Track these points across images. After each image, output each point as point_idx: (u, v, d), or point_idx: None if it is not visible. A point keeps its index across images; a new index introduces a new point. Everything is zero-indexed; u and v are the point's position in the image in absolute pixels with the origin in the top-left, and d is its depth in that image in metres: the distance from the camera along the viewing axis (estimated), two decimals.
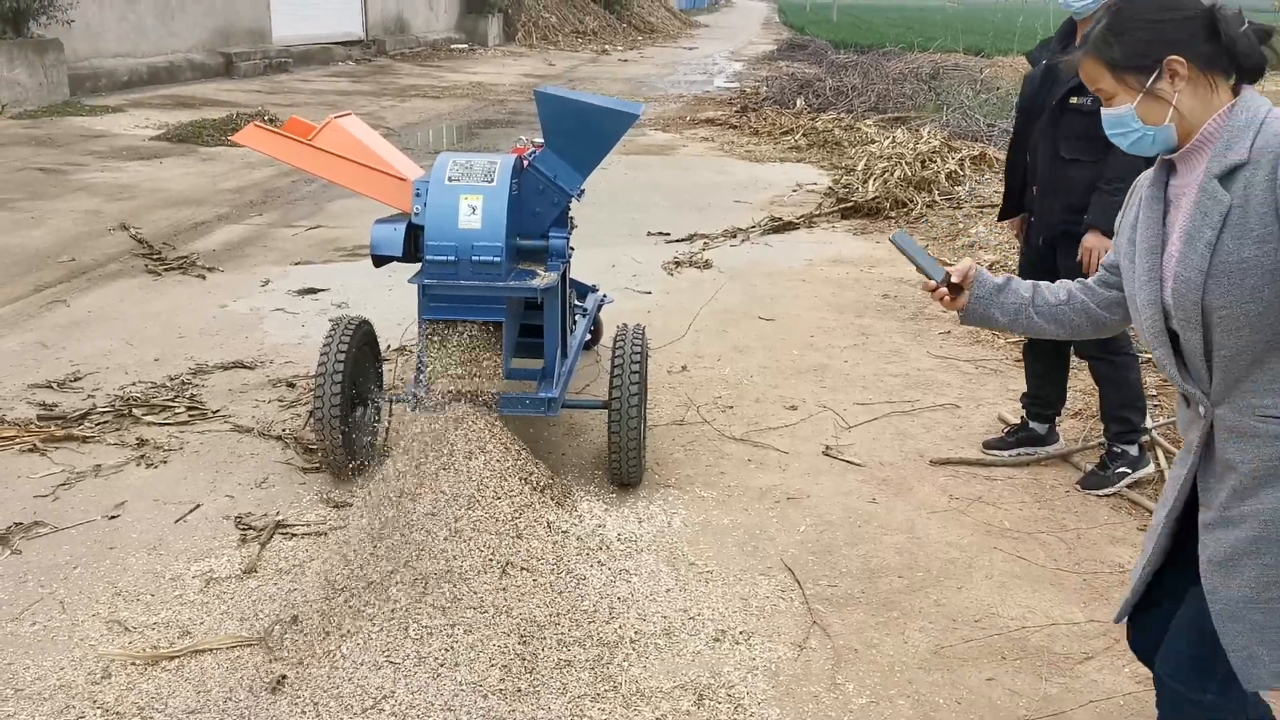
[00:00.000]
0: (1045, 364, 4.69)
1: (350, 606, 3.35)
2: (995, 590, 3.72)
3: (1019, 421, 4.84)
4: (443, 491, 3.74)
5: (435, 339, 4.21)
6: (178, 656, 3.23)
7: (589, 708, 3.04)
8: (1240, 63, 2.06)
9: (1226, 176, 1.98)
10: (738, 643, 3.39)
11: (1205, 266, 1.99)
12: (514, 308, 4.29)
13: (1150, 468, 4.48)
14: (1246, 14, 2.10)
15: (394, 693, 3.01)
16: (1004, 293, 2.43)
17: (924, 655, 3.36)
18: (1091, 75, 2.14)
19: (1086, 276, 4.19)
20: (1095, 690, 3.19)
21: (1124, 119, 2.12)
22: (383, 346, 5.65)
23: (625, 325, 4.43)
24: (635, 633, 3.41)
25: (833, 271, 7.74)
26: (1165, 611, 2.32)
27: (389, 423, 4.70)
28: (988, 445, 4.78)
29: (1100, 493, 4.40)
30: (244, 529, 4.03)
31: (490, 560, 3.53)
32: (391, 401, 4.56)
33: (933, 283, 2.42)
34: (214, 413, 5.10)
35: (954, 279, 2.41)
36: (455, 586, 3.39)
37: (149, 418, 5.01)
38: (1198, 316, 2.02)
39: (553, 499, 4.11)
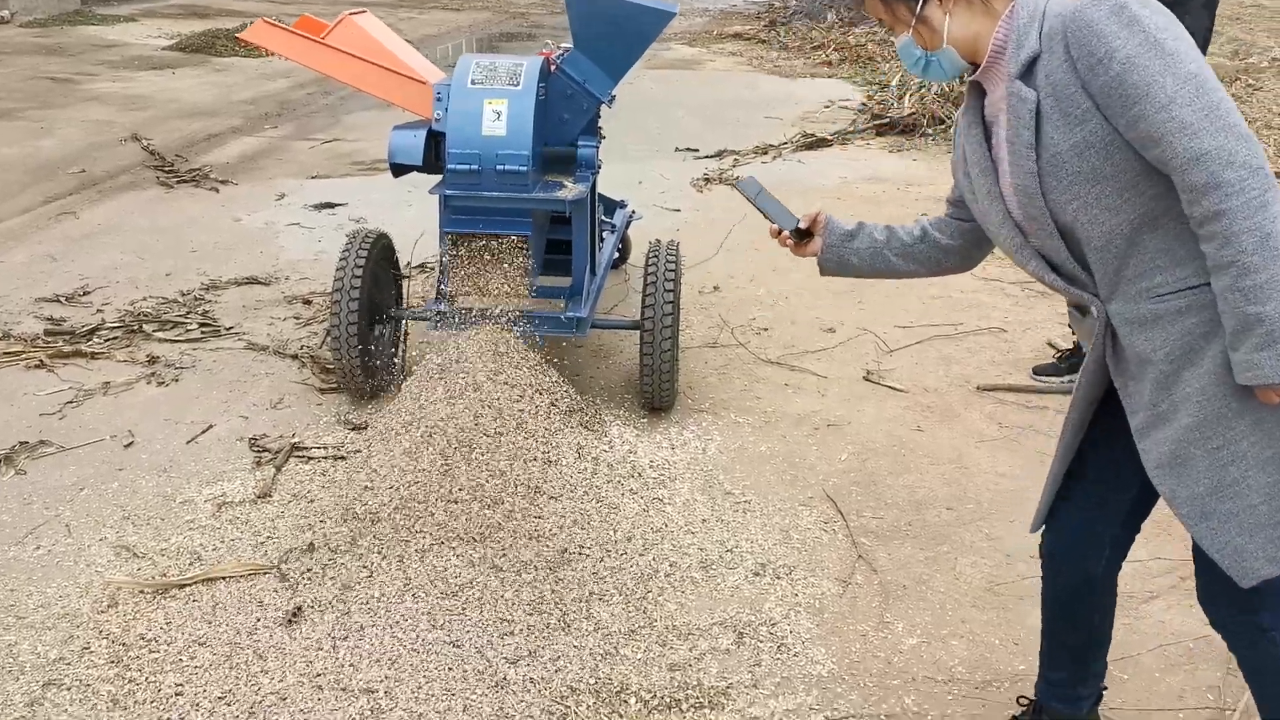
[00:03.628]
0: None
1: (370, 535, 3.17)
2: None
3: (1071, 347, 4.59)
4: (466, 415, 3.54)
5: (457, 253, 3.98)
6: (188, 585, 3.05)
7: (622, 644, 2.86)
8: None
9: (1026, 74, 1.91)
10: (779, 577, 3.19)
11: (1034, 167, 1.91)
12: (540, 221, 4.05)
13: None
14: None
15: (416, 627, 2.84)
16: (856, 238, 2.37)
17: (977, 592, 3.16)
18: (872, 9, 2.11)
19: None
20: (1162, 632, 2.99)
21: (907, 49, 2.08)
22: (402, 263, 5.44)
23: (658, 241, 4.19)
24: (670, 565, 3.22)
25: (869, 190, 7.44)
26: (1076, 506, 2.29)
27: (408, 342, 4.48)
28: (1038, 371, 4.54)
29: (1048, 379, 4.42)
30: (258, 451, 3.85)
31: (517, 488, 3.34)
32: (411, 319, 4.34)
33: (777, 228, 2.35)
34: (227, 330, 4.90)
35: (803, 225, 2.35)
36: (480, 515, 3.20)
37: (160, 334, 4.82)
38: (1048, 221, 1.95)
39: (582, 423, 3.90)
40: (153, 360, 4.54)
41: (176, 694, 2.62)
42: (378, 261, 4.17)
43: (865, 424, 4.15)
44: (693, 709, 2.65)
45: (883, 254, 2.35)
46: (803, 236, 2.37)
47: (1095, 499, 2.26)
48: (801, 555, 3.31)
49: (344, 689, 2.63)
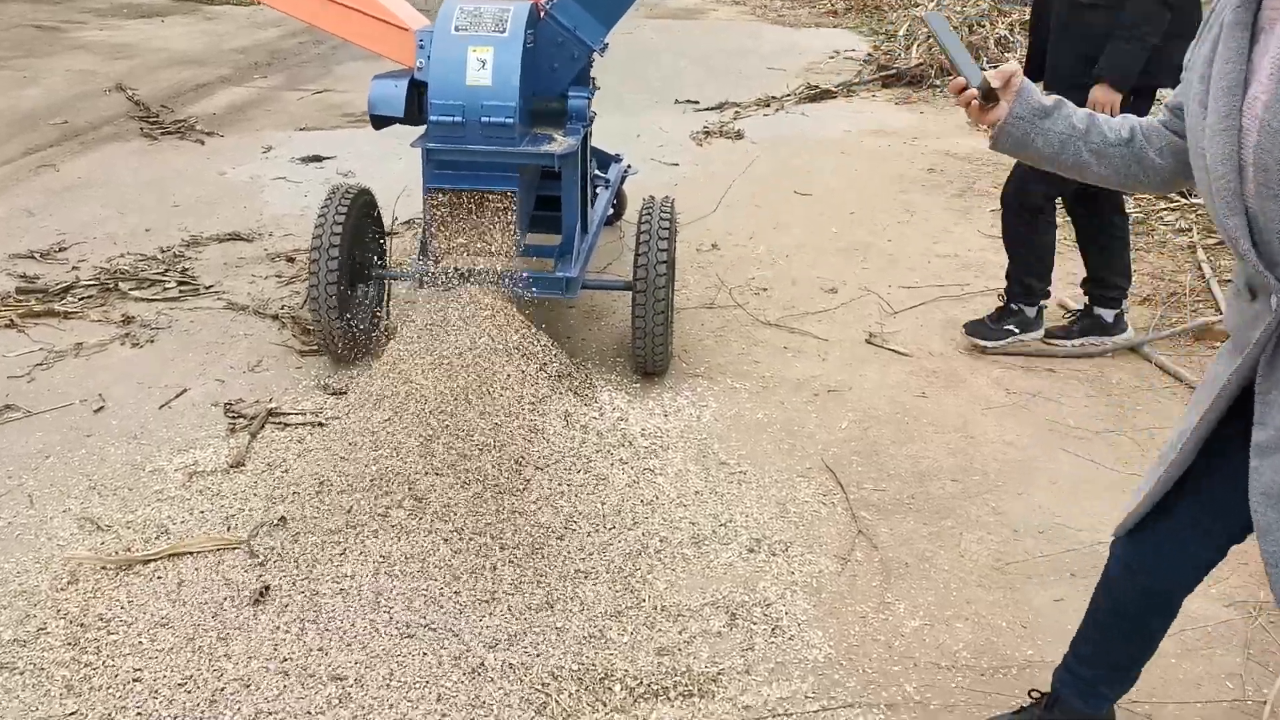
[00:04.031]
0: (1095, 232, 4.25)
1: (344, 508, 3.01)
2: (1061, 497, 3.35)
3: (1082, 308, 4.41)
4: (449, 381, 3.37)
5: (441, 210, 3.79)
6: (152, 560, 2.90)
7: (608, 627, 2.71)
8: None
9: None
10: (775, 554, 3.04)
11: None
12: (528, 176, 3.86)
13: (1039, 333, 4.28)
14: None
15: (390, 609, 2.69)
16: (1051, 117, 1.92)
17: (983, 571, 3.00)
18: None
19: None
20: (1180, 617, 2.82)
21: None
22: (389, 219, 5.25)
23: (652, 198, 3.99)
24: (660, 541, 3.06)
25: (874, 143, 7.21)
26: (1175, 525, 1.99)
27: (392, 303, 4.30)
28: (1050, 334, 4.36)
29: (982, 343, 4.24)
30: (233, 417, 3.68)
31: (501, 458, 3.17)
32: (394, 279, 4.15)
33: (964, 83, 1.92)
34: (206, 288, 4.72)
35: (993, 84, 1.90)
36: (462, 488, 3.04)
37: (136, 292, 4.65)
38: None
39: (571, 389, 3.74)
40: (128, 320, 4.37)
41: (134, 679, 2.47)
42: (359, 218, 3.98)
43: (867, 390, 3.98)
44: (681, 697, 2.50)
45: (1075, 145, 1.92)
46: (989, 98, 1.92)
47: (1200, 522, 1.98)
48: (799, 530, 3.15)
49: (311, 674, 2.48)
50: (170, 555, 2.92)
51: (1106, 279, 4.25)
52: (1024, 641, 2.73)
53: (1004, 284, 4.32)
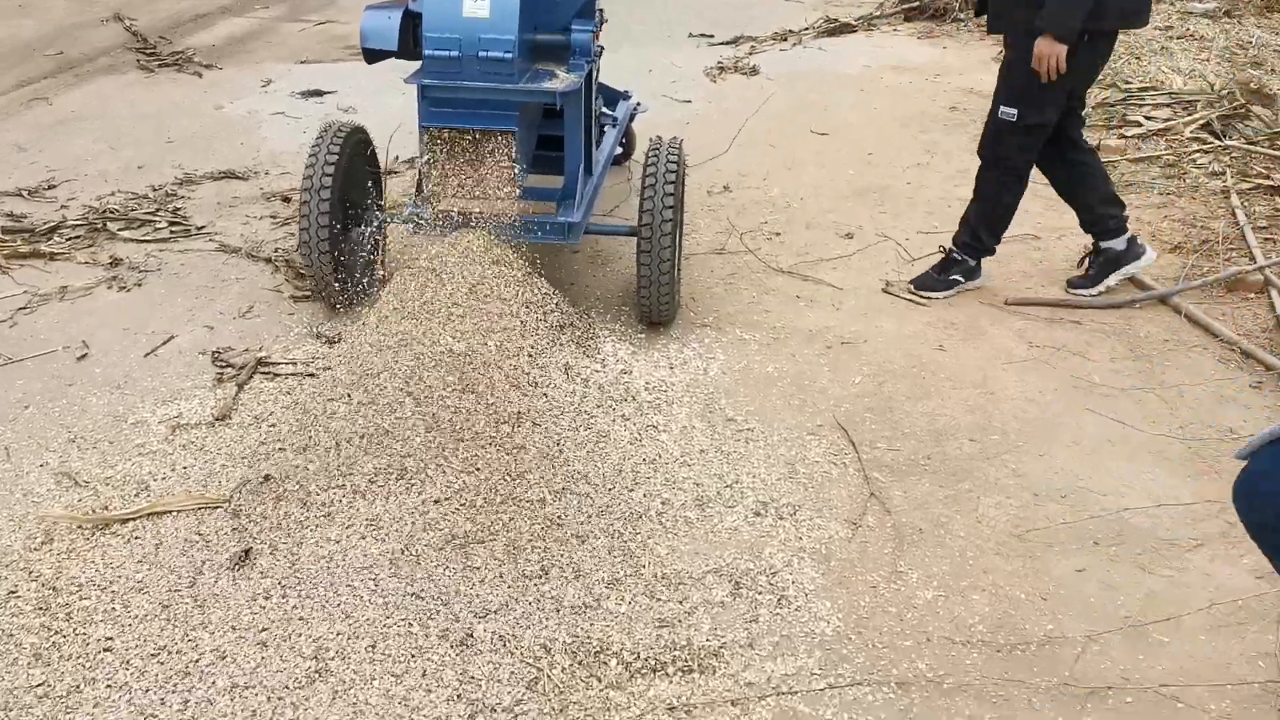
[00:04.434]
0: (1066, 172, 4.11)
1: (333, 465, 2.86)
2: (1084, 459, 3.18)
3: (1092, 247, 4.24)
4: (444, 332, 3.21)
5: (437, 150, 3.60)
6: (130, 519, 2.78)
7: (605, 596, 2.58)
8: None
9: None
10: (782, 518, 2.89)
11: None
12: (529, 115, 3.66)
13: (980, 280, 4.16)
14: None
15: (376, 576, 2.55)
16: None
17: (1002, 538, 2.85)
18: None
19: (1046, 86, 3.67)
20: (1209, 586, 2.68)
21: None
22: (388, 158, 5.07)
23: (659, 138, 3.79)
24: (662, 503, 2.92)
25: (894, 79, 6.95)
26: None
27: (387, 247, 4.13)
28: (1072, 285, 4.17)
29: (929, 295, 4.10)
30: (221, 366, 3.54)
31: (498, 414, 3.02)
32: (389, 223, 3.98)
33: None
34: (198, 229, 4.56)
35: None
36: (455, 446, 2.89)
37: (126, 233, 4.48)
38: None
39: (573, 340, 3.58)
40: (115, 262, 4.22)
41: (105, 649, 2.35)
42: (352, 157, 3.80)
43: (883, 342, 3.81)
44: (680, 673, 2.37)
45: None
46: None
47: None
48: (808, 493, 3.00)
49: (291, 646, 2.35)
50: (149, 514, 2.80)
51: (1096, 211, 4.11)
52: (1043, 615, 2.59)
53: (954, 231, 4.18)
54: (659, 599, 2.58)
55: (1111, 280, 4.13)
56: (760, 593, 2.62)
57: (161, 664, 2.31)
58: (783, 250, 4.48)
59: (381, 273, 3.97)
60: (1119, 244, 4.13)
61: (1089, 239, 4.29)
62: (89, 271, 4.15)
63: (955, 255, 4.13)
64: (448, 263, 3.46)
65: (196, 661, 2.31)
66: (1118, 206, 4.12)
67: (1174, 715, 2.31)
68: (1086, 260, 4.23)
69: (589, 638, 2.44)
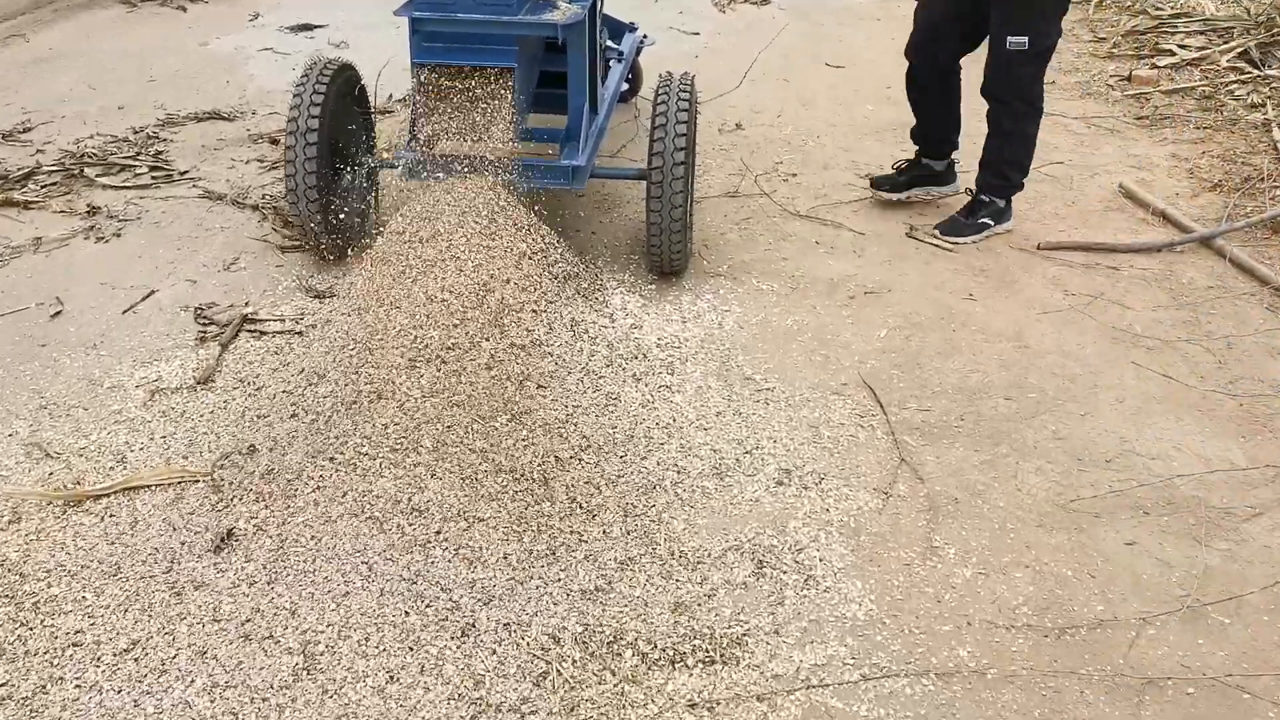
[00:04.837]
0: (933, 98, 3.98)
1: (323, 435, 2.65)
2: (1129, 418, 2.97)
3: (912, 157, 4.15)
4: (440, 286, 2.98)
5: (430, 89, 3.35)
6: (105, 495, 2.57)
7: (618, 578, 2.38)
8: None
9: None
10: (807, 487, 2.69)
11: None
12: (529, 50, 3.40)
13: (1010, 223, 3.95)
14: None
15: (369, 560, 2.35)
16: None
17: (1044, 508, 2.64)
18: None
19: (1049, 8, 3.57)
20: (1271, 561, 2.48)
21: None
22: (383, 97, 4.81)
23: (669, 74, 3.53)
24: (678, 472, 2.71)
25: (910, 9, 6.61)
26: None
27: (379, 194, 3.89)
28: (876, 184, 4.10)
29: (957, 240, 3.88)
30: (204, 324, 3.32)
31: (499, 376, 2.80)
32: (381, 168, 3.73)
33: None
34: (181, 174, 4.31)
35: None
36: (454, 413, 2.67)
37: (104, 179, 4.24)
38: None
39: (579, 292, 3.35)
40: (93, 211, 3.98)
41: (73, 644, 2.16)
42: (340, 97, 3.54)
43: (908, 291, 3.58)
44: (701, 664, 2.17)
45: None
46: None
47: None
48: (834, 459, 2.79)
49: (277, 640, 2.16)
50: (125, 489, 2.59)
51: (950, 133, 4.07)
52: (1093, 595, 2.39)
53: (977, 175, 3.96)
54: (676, 580, 2.38)
55: (918, 191, 4.10)
56: (785, 572, 2.42)
57: (136, 661, 2.11)
58: (800, 192, 4.23)
59: (374, 221, 3.73)
60: (940, 165, 4.10)
61: (1118, 178, 4.07)
62: (65, 221, 3.91)
63: (983, 198, 3.89)
64: (444, 211, 3.22)
65: (174, 658, 2.12)
66: (958, 131, 4.07)
67: (1240, 708, 2.12)
68: (898, 167, 4.17)
69: (601, 625, 2.25)
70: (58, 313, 3.37)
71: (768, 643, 2.23)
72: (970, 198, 3.93)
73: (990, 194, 3.88)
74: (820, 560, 2.46)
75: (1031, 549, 2.51)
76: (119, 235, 3.84)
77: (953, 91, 3.98)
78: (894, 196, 4.07)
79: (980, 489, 2.70)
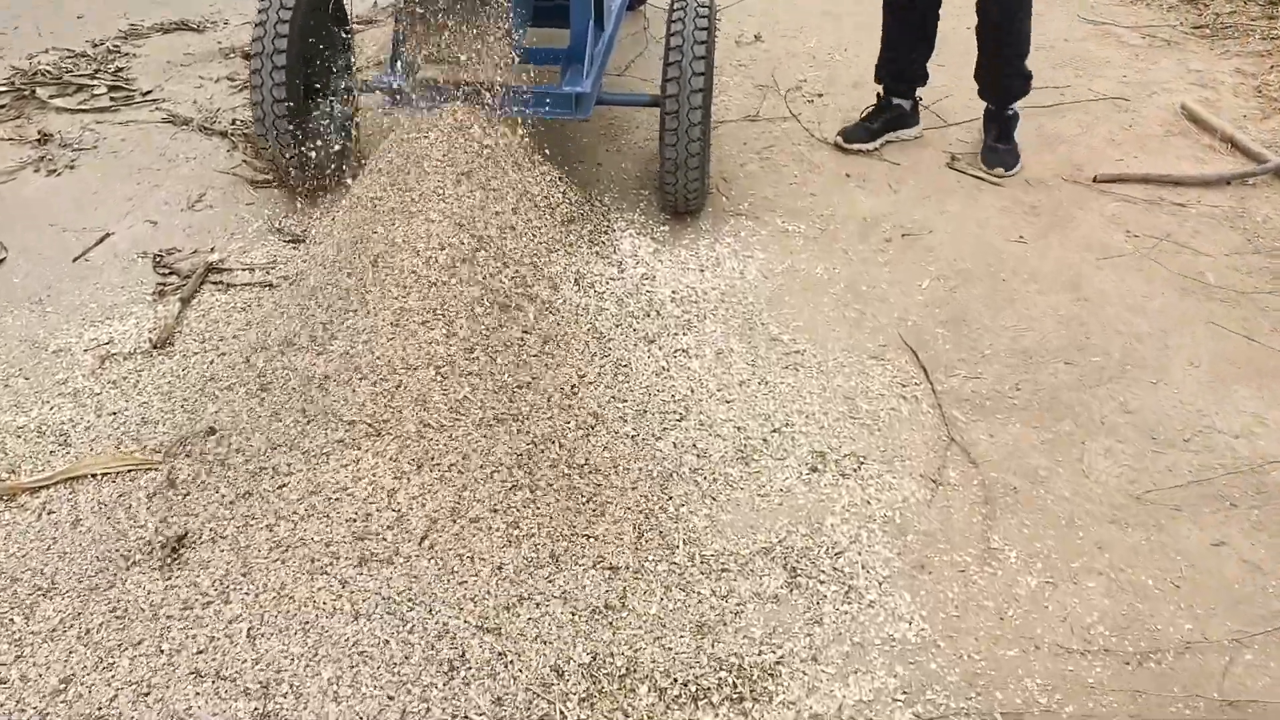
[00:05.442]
0: (914, 17, 3.52)
1: (292, 416, 2.32)
2: (1207, 388, 2.62)
3: (877, 102, 3.67)
4: (427, 232, 2.62)
5: (415, 7, 2.93)
6: (43, 488, 2.25)
7: (630, 591, 2.06)
8: None
9: None
10: (844, 474, 2.36)
11: None
12: None
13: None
14: None
15: (342, 572, 2.03)
16: None
17: (1115, 499, 2.32)
18: None
19: None
20: None
21: None
22: (367, 3, 4.37)
23: None
24: (697, 456, 2.38)
25: None
26: None
27: (359, 123, 3.49)
28: (849, 137, 3.61)
29: (1002, 172, 3.47)
30: (164, 273, 2.96)
31: (494, 343, 2.46)
32: (361, 93, 3.32)
33: None
34: (144, 95, 3.90)
35: None
36: (441, 387, 2.33)
37: (58, 101, 3.83)
38: None
39: (584, 237, 2.98)
40: (45, 139, 3.58)
41: None
42: (313, 9, 3.13)
43: (951, 232, 3.20)
44: (728, 701, 1.87)
45: None
46: None
47: None
48: (874, 438, 2.46)
49: (231, 679, 1.85)
50: (66, 479, 2.27)
51: (921, 64, 3.62)
52: (1178, 610, 2.07)
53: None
54: (696, 594, 2.06)
55: (889, 136, 3.64)
56: (822, 581, 2.10)
57: (66, 704, 1.81)
58: (827, 115, 3.82)
59: (354, 155, 3.34)
60: (907, 104, 3.64)
61: (1179, 97, 3.68)
62: (13, 150, 3.52)
63: (1008, 112, 3.52)
64: (431, 144, 2.84)
65: (111, 700, 1.81)
66: (928, 58, 3.63)
67: None
68: (868, 111, 3.67)
69: (611, 653, 1.93)
70: (0, 260, 3.01)
71: (804, 673, 1.93)
72: (994, 122, 3.53)
73: (1013, 101, 3.51)
74: (862, 566, 2.14)
75: (1104, 550, 2.19)
76: (72, 167, 3.45)
77: (934, 9, 3.52)
78: (869, 147, 3.60)
79: (1042, 475, 2.37)
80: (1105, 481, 2.36)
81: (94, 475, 2.28)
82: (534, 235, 2.83)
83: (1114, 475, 2.37)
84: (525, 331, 2.54)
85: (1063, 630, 2.03)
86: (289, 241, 3.09)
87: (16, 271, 2.97)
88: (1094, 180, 3.45)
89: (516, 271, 2.67)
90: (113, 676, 1.85)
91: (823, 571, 2.12)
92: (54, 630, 1.93)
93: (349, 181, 3.03)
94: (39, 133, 3.62)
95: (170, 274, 2.96)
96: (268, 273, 2.94)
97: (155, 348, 2.67)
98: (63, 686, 1.84)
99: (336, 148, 3.22)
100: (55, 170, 3.43)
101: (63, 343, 2.70)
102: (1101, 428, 2.50)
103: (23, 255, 3.03)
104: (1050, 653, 1.98)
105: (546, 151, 3.08)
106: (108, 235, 3.13)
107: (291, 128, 3.04)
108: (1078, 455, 2.42)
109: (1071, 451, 2.43)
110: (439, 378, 2.34)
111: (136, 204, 3.27)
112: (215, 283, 2.92)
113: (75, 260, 3.02)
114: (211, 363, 2.61)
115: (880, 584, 2.10)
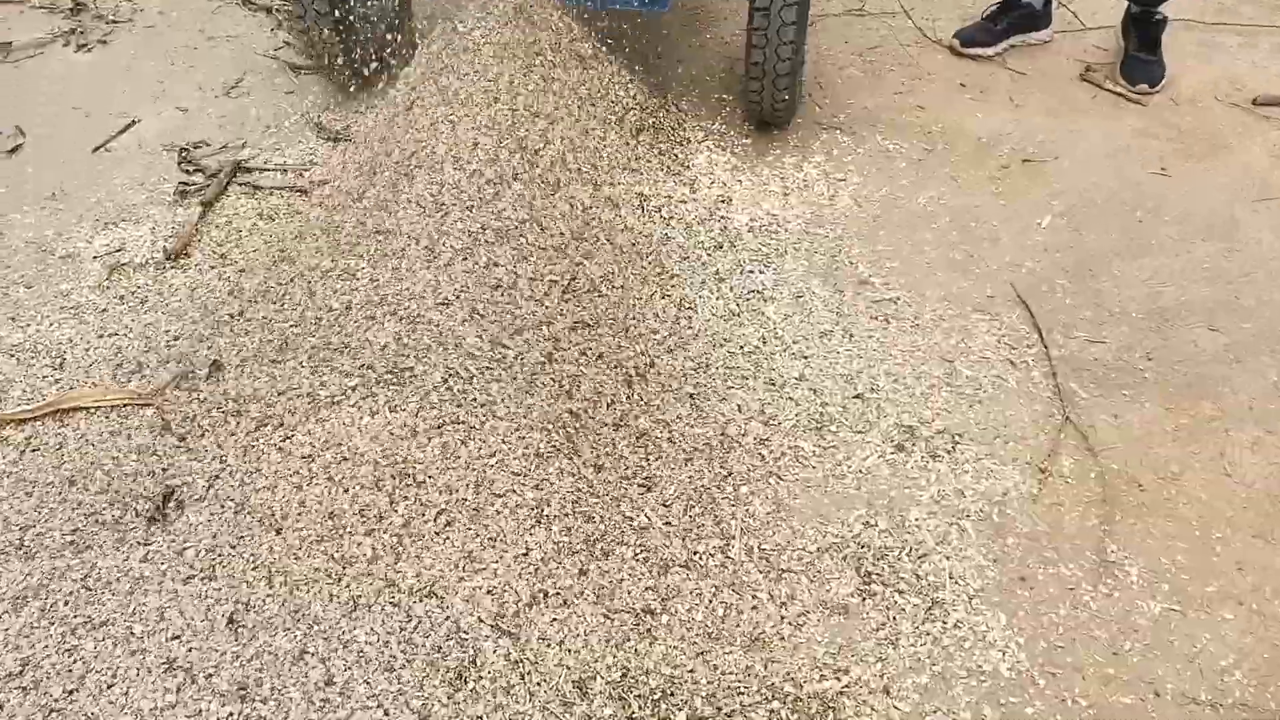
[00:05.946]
0: None
1: (306, 354, 2.03)
2: None
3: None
4: (475, 139, 2.28)
5: None
6: (26, 421, 2.01)
7: (673, 590, 1.76)
8: None
9: None
10: (935, 456, 2.01)
11: None
12: None
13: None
14: None
15: (344, 555, 1.76)
16: None
17: (1263, 505, 1.94)
18: None
19: None
20: None
21: None
22: None
23: None
24: (764, 424, 2.05)
25: None
26: None
27: (411, 5, 3.13)
28: (965, 41, 3.15)
29: (1143, 90, 3.01)
30: (189, 170, 2.68)
31: (541, 272, 2.13)
32: None
33: None
34: None
35: None
36: (472, 329, 2.02)
37: None
38: None
39: (653, 147, 2.62)
40: (78, 8, 3.29)
41: None
42: None
43: (1080, 159, 2.77)
44: None
45: None
46: None
47: None
48: (973, 412, 2.10)
49: (208, 675, 1.60)
50: (55, 411, 2.03)
51: None
52: None
53: None
54: (749, 597, 1.76)
55: (1016, 39, 3.16)
56: (901, 591, 1.78)
57: (25, 692, 1.58)
58: (942, 12, 3.35)
59: (408, 39, 2.99)
60: (1039, 1, 3.16)
61: None
62: (43, 21, 3.24)
63: (1157, 17, 3.01)
64: (488, 35, 2.49)
65: (70, 694, 1.58)
66: None
67: None
68: (991, 9, 3.20)
69: (645, 670, 1.65)
70: (16, 147, 2.75)
71: (872, 708, 1.62)
72: (1137, 27, 3.03)
73: (1161, 1, 3.01)
74: (950, 575, 1.81)
75: (1247, 572, 1.83)
76: (104, 43, 3.16)
77: None
78: (990, 52, 3.14)
79: (1174, 471, 2.00)
80: (1250, 482, 1.98)
81: (84, 409, 2.03)
82: (596, 149, 2.48)
83: (1263, 476, 1.99)
84: (576, 263, 2.21)
85: (1190, 675, 1.69)
86: (329, 139, 2.77)
87: (31, 160, 2.71)
88: (1254, 103, 2.97)
89: (572, 194, 2.33)
90: (72, 660, 1.62)
91: (902, 578, 1.80)
92: (16, 601, 1.70)
93: (398, 73, 2.69)
94: (73, 2, 3.32)
95: (195, 171, 2.67)
96: (300, 175, 2.64)
97: (169, 259, 2.40)
98: (17, 671, 1.61)
99: (384, 31, 2.87)
100: (86, 45, 3.15)
101: (72, 248, 2.44)
102: (1249, 413, 2.11)
103: (41, 142, 2.77)
104: (1174, 702, 1.65)
105: (615, 44, 2.70)
106: (134, 122, 2.85)
107: (331, 7, 2.70)
108: (1219, 446, 2.04)
109: (1211, 442, 2.05)
110: (474, 317, 2.03)
111: (168, 87, 2.98)
112: (243, 184, 2.62)
113: (95, 150, 2.75)
114: (226, 280, 2.33)
115: (970, 599, 1.78)
